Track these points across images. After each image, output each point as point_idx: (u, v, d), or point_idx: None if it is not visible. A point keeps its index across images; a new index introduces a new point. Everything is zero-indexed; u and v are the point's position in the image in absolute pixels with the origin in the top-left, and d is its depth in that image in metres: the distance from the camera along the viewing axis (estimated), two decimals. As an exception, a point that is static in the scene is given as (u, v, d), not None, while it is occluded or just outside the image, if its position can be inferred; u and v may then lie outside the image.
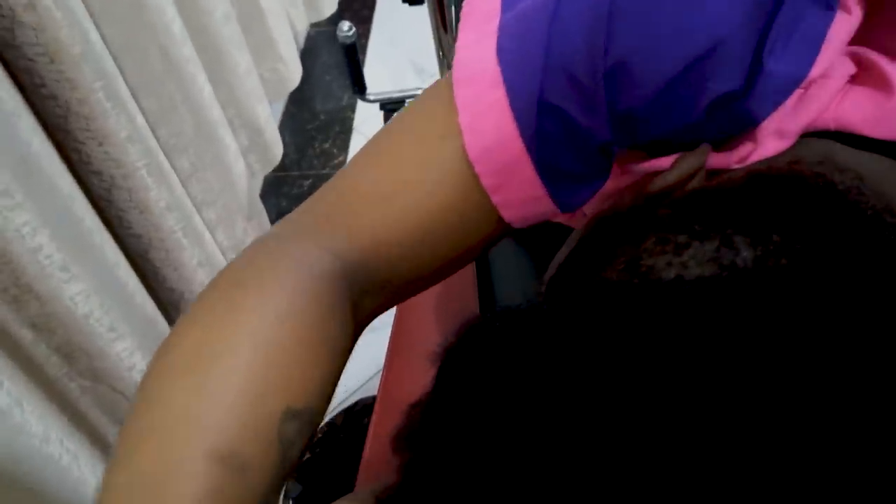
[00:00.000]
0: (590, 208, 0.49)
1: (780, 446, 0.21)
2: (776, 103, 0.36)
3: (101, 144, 0.97)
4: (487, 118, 0.37)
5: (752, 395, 0.22)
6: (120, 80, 0.99)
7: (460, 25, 0.41)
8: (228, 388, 0.34)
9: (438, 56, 1.34)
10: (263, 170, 1.64)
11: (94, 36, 0.93)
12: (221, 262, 1.30)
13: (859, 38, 0.37)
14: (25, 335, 0.89)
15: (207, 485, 0.32)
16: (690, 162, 0.37)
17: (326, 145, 2.18)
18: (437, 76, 1.62)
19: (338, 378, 0.39)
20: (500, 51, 0.37)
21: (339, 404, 1.43)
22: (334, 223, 0.41)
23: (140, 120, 1.04)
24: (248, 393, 0.34)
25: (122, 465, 0.33)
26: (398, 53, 2.48)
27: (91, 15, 0.98)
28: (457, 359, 0.29)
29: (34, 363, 0.92)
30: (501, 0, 0.39)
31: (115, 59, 1.03)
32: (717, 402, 0.22)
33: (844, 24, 0.35)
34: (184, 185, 1.22)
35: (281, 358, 0.36)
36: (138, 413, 0.35)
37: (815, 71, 0.35)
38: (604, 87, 0.35)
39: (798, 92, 0.37)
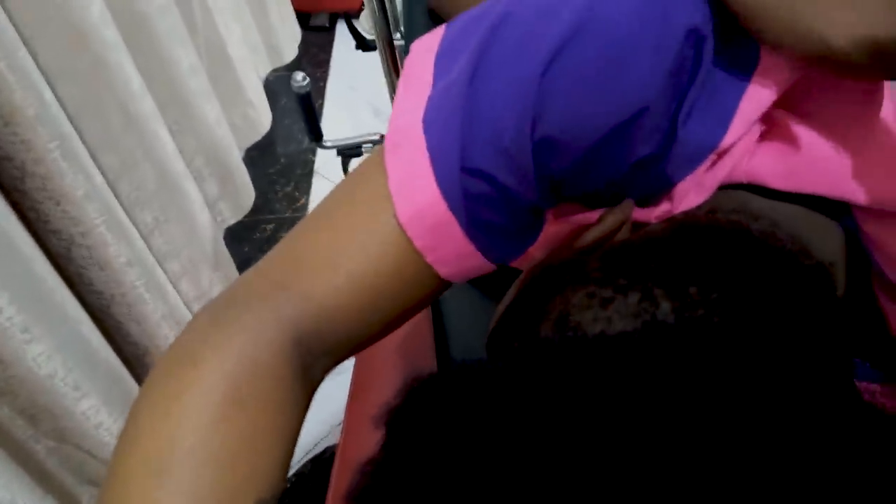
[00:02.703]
0: (538, 253, 0.51)
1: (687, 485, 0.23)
2: (690, 168, 0.39)
3: (58, 203, 0.97)
4: (414, 184, 0.39)
5: (658, 453, 0.24)
6: (76, 139, 1.00)
7: (398, 93, 0.43)
8: (200, 488, 0.33)
9: (392, 100, 1.36)
10: (235, 216, 1.65)
11: (49, 96, 0.94)
12: (185, 314, 1.30)
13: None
14: (-12, 399, 0.89)
15: None
16: (615, 217, 0.40)
17: (288, 189, 2.19)
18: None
19: (293, 448, 0.39)
20: (426, 119, 0.39)
21: (307, 454, 1.42)
22: (287, 290, 0.41)
23: (98, 178, 1.05)
24: (218, 493, 0.34)
25: None
26: (356, 96, 2.51)
27: (47, 75, 0.99)
28: (402, 418, 0.30)
29: (-2, 427, 0.91)
30: (434, 71, 0.41)
31: (72, 118, 1.03)
32: (631, 459, 0.24)
33: (759, 94, 0.37)
34: (146, 239, 1.22)
35: (243, 447, 0.36)
36: None
37: (726, 140, 0.38)
38: (531, 156, 0.37)
39: (711, 157, 0.39)
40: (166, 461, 0.34)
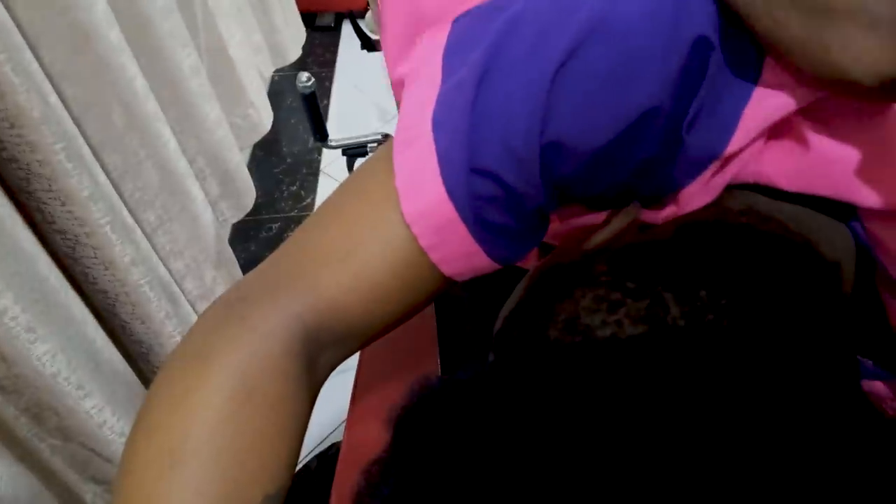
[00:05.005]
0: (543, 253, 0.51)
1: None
2: (695, 173, 0.39)
3: (63, 204, 0.98)
4: (421, 182, 0.40)
5: (672, 462, 0.24)
6: (81, 140, 1.00)
7: (405, 88, 0.43)
8: (209, 482, 0.34)
9: (396, 101, 1.36)
10: (235, 216, 1.65)
11: (54, 98, 0.94)
12: (189, 313, 1.31)
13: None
14: (-7, 398, 0.89)
15: None
16: (621, 220, 0.40)
17: (294, 188, 2.19)
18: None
19: (301, 444, 0.40)
20: (435, 118, 0.40)
21: (313, 450, 1.43)
22: (293, 285, 0.42)
23: (102, 178, 1.05)
24: (227, 486, 0.34)
25: None
26: (361, 96, 2.51)
27: (52, 76, 0.99)
28: (410, 420, 0.31)
29: (3, 425, 0.92)
30: (443, 67, 0.41)
31: (77, 118, 1.04)
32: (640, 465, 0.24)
33: (763, 106, 0.37)
34: (149, 238, 1.23)
35: (253, 443, 0.36)
36: None
37: (730, 148, 0.38)
38: (539, 159, 0.37)
39: (717, 162, 0.39)
40: (177, 456, 0.35)
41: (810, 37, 0.33)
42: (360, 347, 0.47)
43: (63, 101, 0.99)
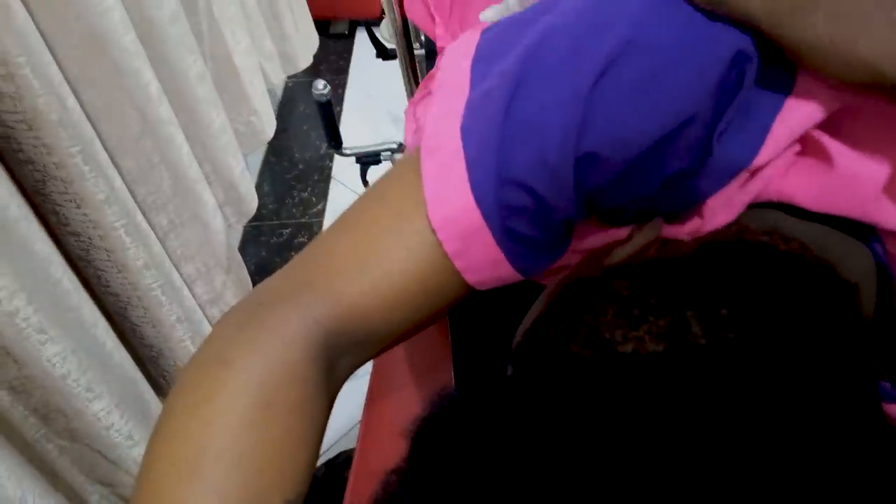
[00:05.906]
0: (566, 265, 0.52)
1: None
2: (721, 184, 0.39)
3: (78, 206, 0.98)
4: (449, 189, 0.40)
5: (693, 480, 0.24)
6: (97, 143, 1.01)
7: (434, 96, 0.43)
8: (229, 490, 0.34)
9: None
10: (239, 222, 1.66)
11: (72, 102, 0.95)
12: (200, 317, 1.31)
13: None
14: (2, 398, 0.89)
15: None
16: (645, 235, 0.40)
17: (305, 194, 2.20)
18: (412, 127, 1.64)
19: (319, 449, 0.40)
20: (464, 126, 0.40)
21: (321, 455, 1.43)
22: (313, 290, 0.42)
23: (118, 182, 1.06)
24: (248, 492, 0.34)
25: None
26: (374, 103, 2.52)
27: (69, 80, 1.00)
28: (430, 431, 0.30)
29: (11, 425, 0.92)
30: (471, 75, 0.41)
31: (93, 122, 1.04)
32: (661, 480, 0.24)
33: (793, 117, 0.37)
34: (161, 242, 1.23)
35: (273, 449, 0.36)
36: None
37: (758, 160, 0.38)
38: (573, 171, 0.37)
39: (744, 175, 0.39)
40: (197, 463, 0.34)
41: (838, 37, 0.32)
42: (378, 353, 0.46)
43: (80, 104, 1.00)
